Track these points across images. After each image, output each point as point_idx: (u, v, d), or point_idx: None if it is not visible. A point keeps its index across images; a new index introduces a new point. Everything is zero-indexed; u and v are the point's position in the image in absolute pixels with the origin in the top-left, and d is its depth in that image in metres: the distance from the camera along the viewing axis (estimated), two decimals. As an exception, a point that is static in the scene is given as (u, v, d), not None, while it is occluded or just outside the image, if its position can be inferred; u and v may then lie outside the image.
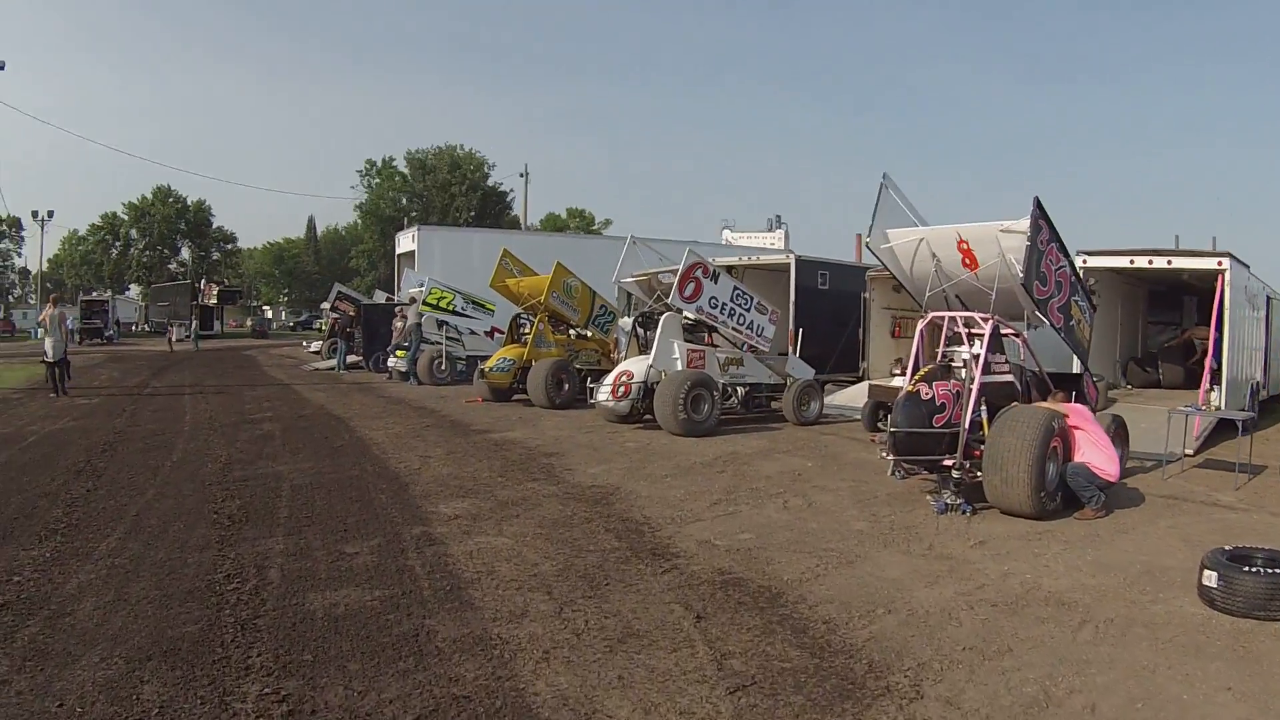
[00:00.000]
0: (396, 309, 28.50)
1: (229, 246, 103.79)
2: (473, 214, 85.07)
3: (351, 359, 32.38)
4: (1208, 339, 17.40)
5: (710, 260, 17.00)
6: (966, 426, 10.40)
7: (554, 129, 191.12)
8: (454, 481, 11.19)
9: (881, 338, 22.67)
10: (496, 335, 25.48)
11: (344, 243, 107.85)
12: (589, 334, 22.37)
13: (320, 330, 53.08)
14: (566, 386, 19.73)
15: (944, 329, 11.40)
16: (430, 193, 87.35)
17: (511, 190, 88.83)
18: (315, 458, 12.87)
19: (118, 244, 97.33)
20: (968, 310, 11.38)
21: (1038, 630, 6.26)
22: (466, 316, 27.09)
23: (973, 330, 11.07)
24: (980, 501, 10.07)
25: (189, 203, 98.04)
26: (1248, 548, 7.22)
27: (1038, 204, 10.30)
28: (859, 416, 17.46)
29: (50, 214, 75.32)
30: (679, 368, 16.37)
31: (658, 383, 16.03)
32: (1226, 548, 7.15)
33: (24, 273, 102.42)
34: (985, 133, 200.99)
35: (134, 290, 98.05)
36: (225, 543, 8.15)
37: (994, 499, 9.84)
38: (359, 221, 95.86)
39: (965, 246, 11.17)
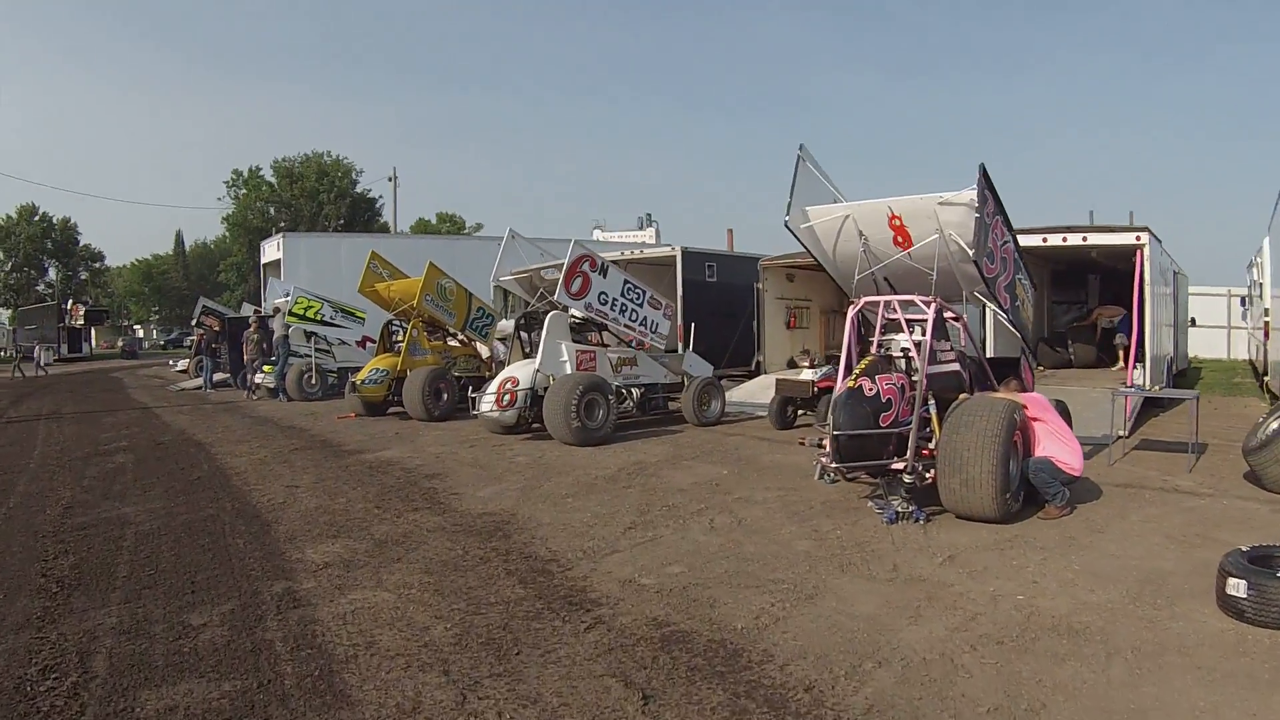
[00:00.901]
0: (251, 322, 25.93)
1: (96, 265, 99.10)
2: (342, 222, 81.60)
3: (219, 376, 29.53)
4: (1113, 317, 16.24)
5: (598, 253, 15.14)
6: (916, 424, 8.85)
7: (421, 137, 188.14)
8: (324, 517, 9.20)
9: (777, 329, 21.38)
10: (369, 345, 23.31)
11: (213, 257, 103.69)
12: (466, 339, 20.38)
13: (188, 348, 49.98)
14: (445, 397, 17.78)
15: (878, 315, 9.83)
16: (298, 201, 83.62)
17: (380, 197, 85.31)
18: (168, 494, 10.76)
19: None
20: (896, 293, 9.93)
21: (1062, 673, 4.93)
22: (336, 326, 24.75)
23: (911, 316, 9.61)
24: (930, 505, 8.64)
25: (55, 221, 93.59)
26: (1265, 547, 6.06)
27: (984, 173, 8.87)
28: (763, 413, 16.12)
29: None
30: (568, 371, 14.54)
31: (546, 388, 14.22)
32: (1243, 549, 6.01)
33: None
34: (853, 130, 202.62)
35: (4, 314, 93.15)
36: (48, 618, 6.20)
37: (952, 504, 8.37)
38: (227, 234, 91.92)
39: (898, 223, 9.67)
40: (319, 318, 24.39)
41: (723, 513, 9.03)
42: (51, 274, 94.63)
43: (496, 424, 14.73)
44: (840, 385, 9.14)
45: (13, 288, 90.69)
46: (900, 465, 8.68)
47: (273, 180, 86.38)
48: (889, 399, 8.82)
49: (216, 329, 29.51)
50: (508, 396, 14.31)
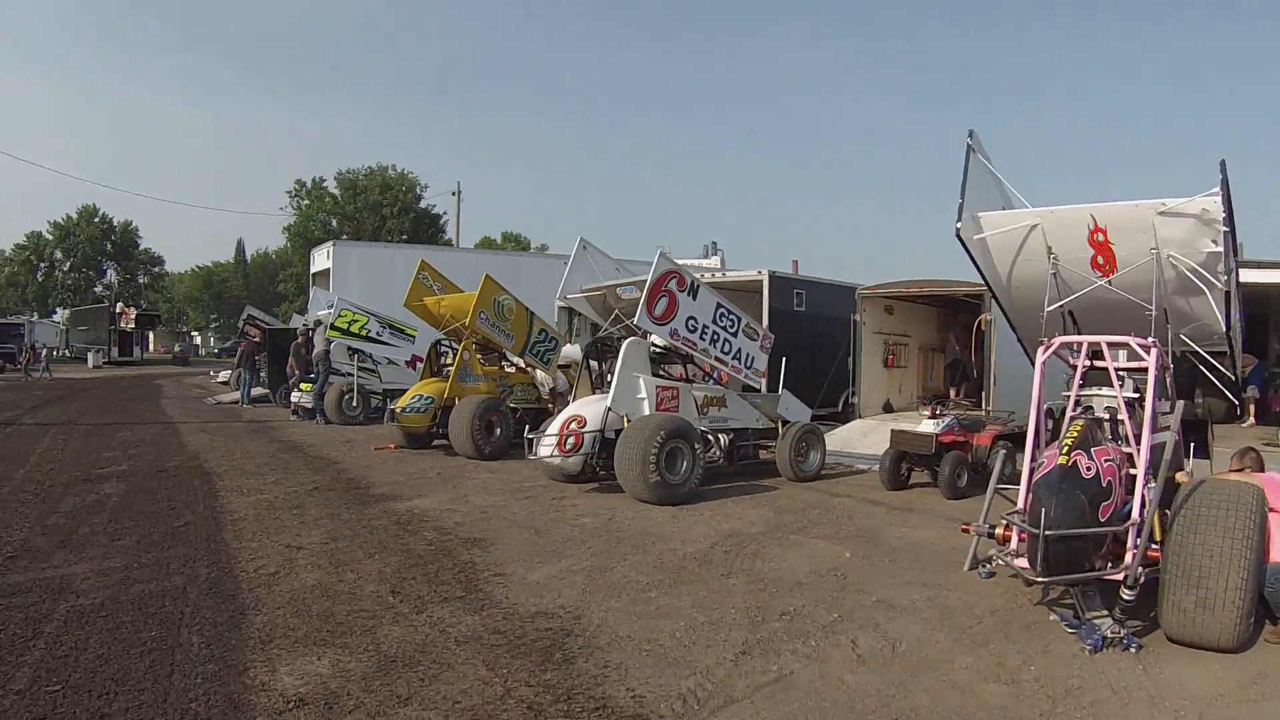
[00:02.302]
0: (299, 334, 23.66)
1: (156, 269, 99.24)
2: (404, 237, 79.60)
3: (258, 391, 27.52)
4: (1245, 366, 13.82)
5: (687, 270, 12.67)
6: (1144, 517, 6.35)
7: (487, 157, 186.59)
8: (320, 604, 6.75)
9: (874, 367, 18.89)
10: (420, 365, 20.78)
11: (274, 266, 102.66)
12: (525, 365, 17.93)
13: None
14: (499, 431, 15.34)
15: (1077, 362, 7.33)
16: (361, 214, 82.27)
17: (444, 213, 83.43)
18: (138, 548, 8.44)
19: (43, 265, 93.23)
20: (1080, 331, 7.79)
21: None
22: (383, 343, 22.51)
23: (1122, 365, 7.11)
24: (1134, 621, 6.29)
25: (115, 223, 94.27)
26: None
27: (1224, 170, 6.55)
28: (865, 466, 13.99)
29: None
30: (646, 411, 12.09)
31: (619, 431, 11.75)
32: None
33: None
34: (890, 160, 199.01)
35: (61, 314, 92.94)
36: None
37: (1177, 627, 5.95)
38: (288, 244, 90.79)
39: (1101, 238, 7.24)
40: (364, 333, 22.17)
41: (865, 628, 6.45)
42: (110, 276, 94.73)
43: (557, 471, 12.26)
44: (1043, 458, 6.68)
45: (70, 288, 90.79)
46: (1119, 575, 6.12)
47: (336, 192, 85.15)
48: (1108, 481, 6.31)
49: (257, 340, 27.31)
50: (571, 439, 11.83)
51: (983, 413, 14.33)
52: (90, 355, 60.24)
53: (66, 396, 31.04)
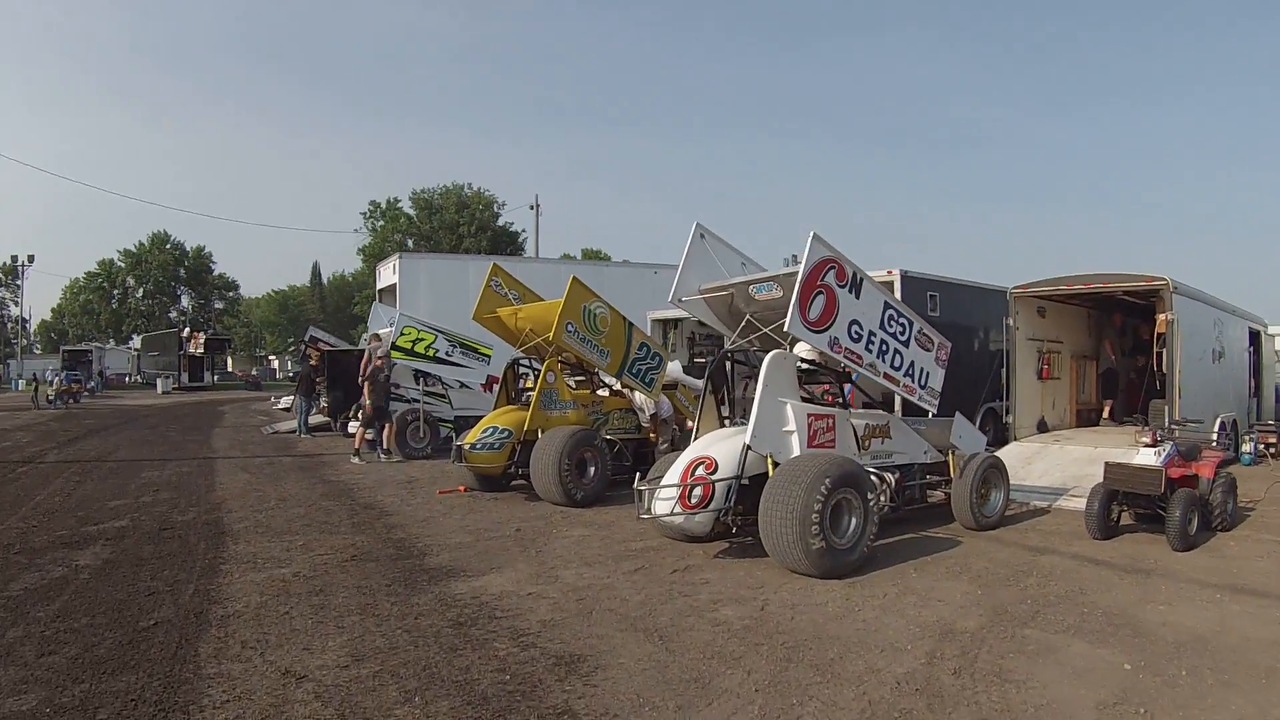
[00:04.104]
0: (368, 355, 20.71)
1: (231, 294, 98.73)
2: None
3: (318, 419, 24.83)
4: None
5: (846, 258, 9.48)
6: None
7: (565, 174, 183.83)
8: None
9: (1028, 380, 16.05)
10: (496, 389, 17.73)
11: (349, 289, 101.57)
12: (623, 387, 14.84)
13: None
14: (593, 471, 12.38)
15: None
16: (437, 233, 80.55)
17: (523, 230, 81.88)
18: (67, 671, 5.68)
19: (116, 292, 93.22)
20: None
21: None
22: (454, 364, 19.59)
23: None
24: None
25: (188, 249, 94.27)
26: None
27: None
28: (1041, 501, 11.72)
29: (30, 258, 69.12)
30: (795, 448, 8.93)
31: (761, 475, 8.65)
32: None
33: (22, 321, 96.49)
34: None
35: (137, 340, 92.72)
36: None
37: None
38: (364, 266, 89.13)
39: None
40: (431, 353, 19.29)
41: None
42: (184, 302, 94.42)
43: (678, 531, 9.19)
44: None
45: (144, 314, 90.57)
46: None
47: (411, 212, 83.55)
48: None
49: (314, 363, 24.50)
50: (699, 491, 8.69)
51: (1183, 432, 11.09)
52: (159, 381, 59.06)
53: (115, 426, 29.04)
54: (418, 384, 19.45)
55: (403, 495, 13.22)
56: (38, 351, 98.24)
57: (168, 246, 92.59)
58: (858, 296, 9.36)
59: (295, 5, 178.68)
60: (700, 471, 8.78)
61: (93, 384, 59.17)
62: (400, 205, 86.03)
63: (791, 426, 8.97)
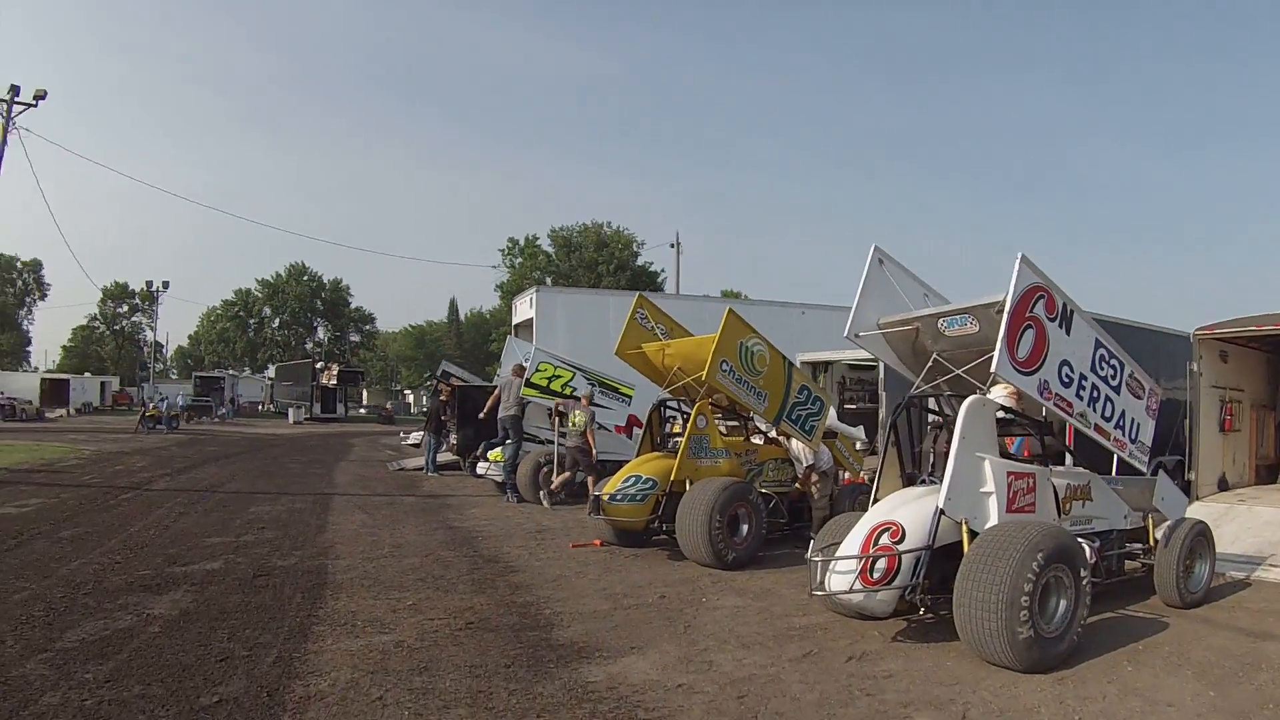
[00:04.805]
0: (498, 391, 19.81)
1: (367, 327, 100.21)
2: (621, 296, 77.18)
3: (447, 457, 24.14)
4: None
5: (1055, 284, 8.18)
6: None
7: (706, 214, 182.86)
8: None
9: (1211, 432, 14.82)
10: (639, 432, 16.42)
11: (487, 325, 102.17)
12: (780, 434, 13.51)
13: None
14: (746, 528, 11.19)
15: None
16: (576, 271, 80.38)
17: (663, 270, 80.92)
18: None
19: (253, 321, 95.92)
20: None
21: None
22: (597, 406, 18.47)
23: None
24: None
25: (325, 281, 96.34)
26: None
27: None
28: (1239, 572, 10.52)
29: (165, 284, 70.77)
30: (993, 513, 7.66)
31: (952, 546, 7.48)
32: None
33: (156, 345, 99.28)
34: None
35: (271, 370, 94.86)
36: None
37: None
38: (502, 302, 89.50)
39: None
40: (569, 391, 18.30)
41: None
42: (320, 333, 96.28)
43: (861, 610, 7.90)
44: None
45: (279, 344, 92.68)
46: None
47: (550, 250, 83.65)
48: None
49: (444, 399, 23.78)
50: (883, 564, 7.46)
51: None
52: (291, 411, 59.89)
53: (237, 454, 29.14)
54: (553, 425, 18.40)
55: (531, 547, 12.24)
56: (174, 377, 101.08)
57: (304, 278, 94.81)
58: (1068, 333, 8.13)
59: (433, 40, 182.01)
60: (885, 540, 7.55)
61: (224, 410, 60.28)
62: (539, 243, 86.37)
63: (990, 487, 7.71)
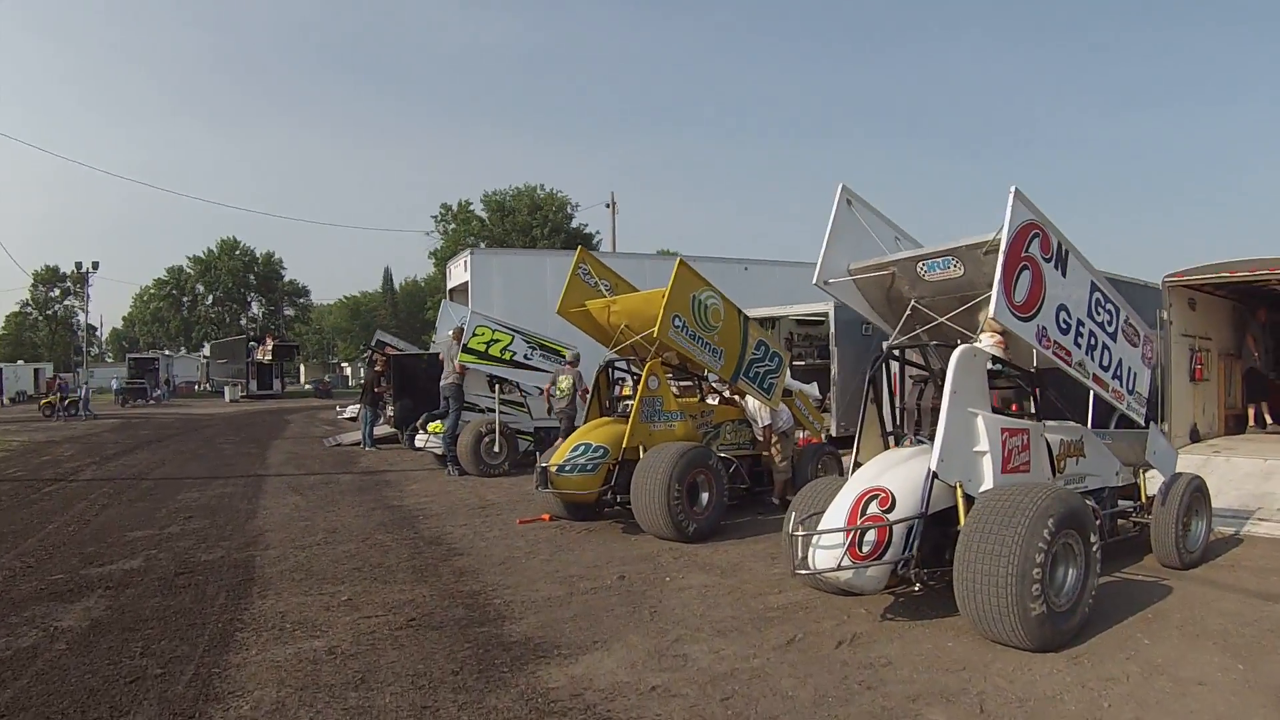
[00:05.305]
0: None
1: (301, 300, 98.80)
2: (556, 259, 76.35)
3: (384, 430, 23.14)
4: None
5: (1049, 222, 7.33)
6: None
7: (637, 177, 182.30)
8: None
9: (1182, 383, 14.39)
10: (588, 398, 15.60)
11: (422, 294, 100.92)
12: (735, 392, 12.66)
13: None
14: (707, 497, 10.31)
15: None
16: (510, 236, 79.13)
17: (598, 232, 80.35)
18: None
19: (186, 299, 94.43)
20: None
21: None
22: (533, 368, 17.56)
23: None
24: None
25: (258, 255, 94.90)
26: None
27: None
28: (1232, 530, 10.05)
29: (95, 265, 68.40)
30: (988, 474, 6.81)
31: (945, 512, 6.69)
32: None
33: (89, 328, 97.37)
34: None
35: (206, 348, 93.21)
36: None
37: None
38: (436, 270, 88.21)
39: None
40: (508, 356, 17.29)
41: None
42: (255, 309, 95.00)
43: (851, 587, 6.95)
44: None
45: (214, 322, 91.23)
46: None
47: (483, 214, 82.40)
48: None
49: (379, 369, 22.68)
50: (873, 536, 6.56)
51: None
52: (227, 389, 58.95)
53: (171, 437, 28.08)
54: (494, 392, 17.48)
55: (476, 526, 11.29)
56: (109, 360, 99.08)
57: (237, 253, 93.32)
58: (1064, 274, 7.27)
59: (361, 14, 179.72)
60: (874, 509, 6.65)
61: (159, 392, 58.90)
62: (472, 208, 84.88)
63: (984, 446, 6.85)
